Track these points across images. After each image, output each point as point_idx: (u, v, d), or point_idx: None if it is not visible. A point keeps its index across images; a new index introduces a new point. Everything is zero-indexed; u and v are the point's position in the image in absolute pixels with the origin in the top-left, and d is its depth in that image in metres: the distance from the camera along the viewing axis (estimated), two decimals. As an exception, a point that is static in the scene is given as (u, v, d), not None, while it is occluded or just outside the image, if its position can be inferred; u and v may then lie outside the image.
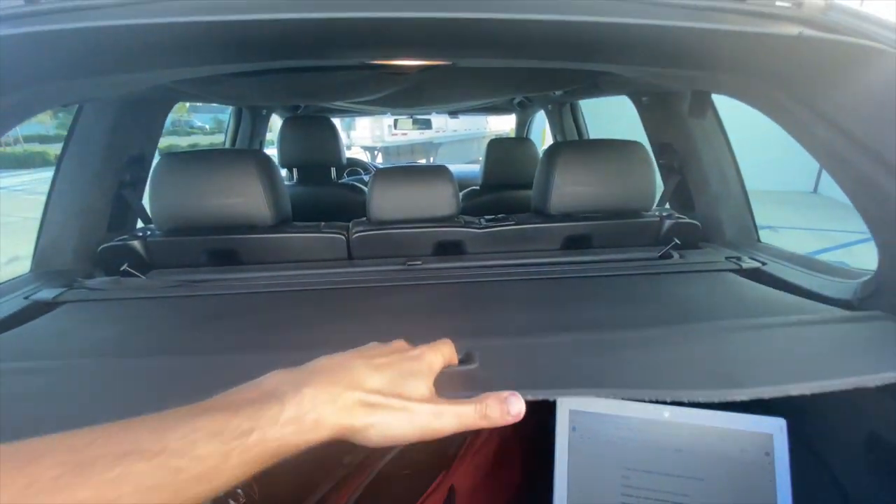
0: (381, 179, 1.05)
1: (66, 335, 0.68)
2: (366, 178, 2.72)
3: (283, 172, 2.18)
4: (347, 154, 2.20)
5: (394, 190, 1.05)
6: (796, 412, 0.44)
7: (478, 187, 1.89)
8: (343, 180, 2.63)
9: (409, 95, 1.28)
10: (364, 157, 8.34)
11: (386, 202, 1.04)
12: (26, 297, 0.80)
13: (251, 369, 0.29)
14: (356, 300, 0.79)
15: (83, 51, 0.60)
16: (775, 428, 0.42)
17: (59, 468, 0.19)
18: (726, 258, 0.98)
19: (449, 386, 0.35)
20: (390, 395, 0.28)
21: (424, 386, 0.30)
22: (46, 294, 0.81)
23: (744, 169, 1.18)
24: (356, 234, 1.03)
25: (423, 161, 8.56)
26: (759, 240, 1.15)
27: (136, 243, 0.99)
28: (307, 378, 0.27)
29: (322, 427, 0.25)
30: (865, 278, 0.68)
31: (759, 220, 1.17)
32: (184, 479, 0.21)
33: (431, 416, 0.28)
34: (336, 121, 1.91)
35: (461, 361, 0.39)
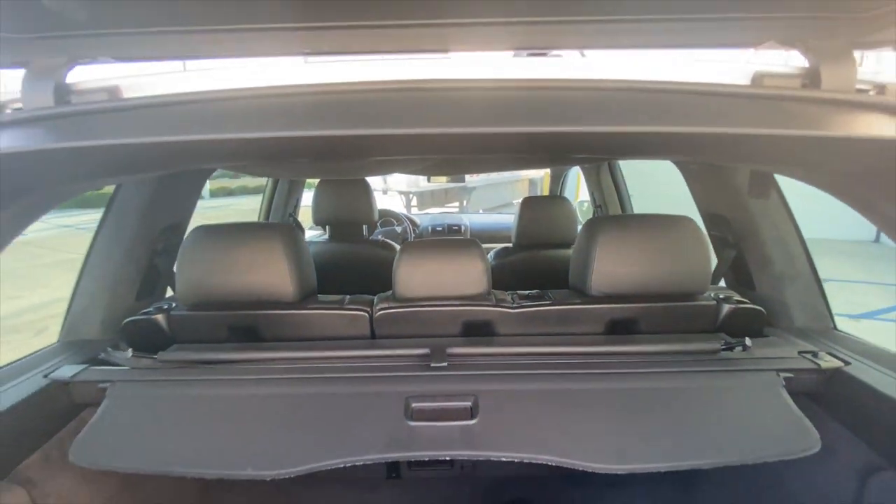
0: (407, 254, 1.00)
1: None
2: (398, 229, 2.72)
3: (311, 234, 2.27)
4: (384, 199, 2.22)
5: (421, 266, 0.99)
6: None
7: (510, 244, 1.82)
8: (376, 233, 2.63)
9: (435, 168, 1.26)
10: (399, 200, 8.56)
11: (412, 278, 0.99)
12: (45, 376, 0.81)
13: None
14: (373, 408, 0.77)
15: (124, 158, 0.60)
16: None
17: None
18: (800, 353, 0.86)
19: None
20: None
21: None
22: (66, 371, 0.82)
23: (798, 216, 1.03)
24: (380, 312, 0.98)
25: (455, 204, 8.63)
26: (835, 327, 1.01)
27: (159, 317, 0.97)
28: None
29: None
30: None
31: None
32: None
33: None
34: None
35: None
